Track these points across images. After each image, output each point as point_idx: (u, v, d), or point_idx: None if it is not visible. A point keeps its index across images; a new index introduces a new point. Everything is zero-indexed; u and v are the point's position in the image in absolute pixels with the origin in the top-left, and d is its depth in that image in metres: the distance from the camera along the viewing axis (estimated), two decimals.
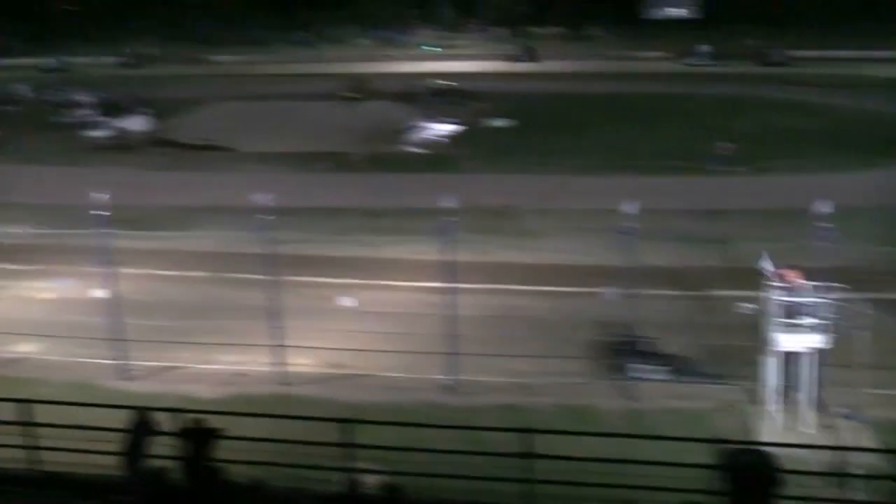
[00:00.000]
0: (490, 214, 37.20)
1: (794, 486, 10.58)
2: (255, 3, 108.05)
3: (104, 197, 24.61)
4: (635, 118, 59.29)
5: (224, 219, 36.17)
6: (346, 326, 27.13)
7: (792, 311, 20.79)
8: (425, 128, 56.37)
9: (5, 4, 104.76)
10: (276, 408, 21.84)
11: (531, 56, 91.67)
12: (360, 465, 10.66)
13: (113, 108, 60.33)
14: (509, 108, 61.25)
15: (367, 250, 34.58)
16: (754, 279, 22.51)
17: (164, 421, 9.78)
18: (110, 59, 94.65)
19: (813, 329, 20.64)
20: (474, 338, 24.50)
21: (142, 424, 9.85)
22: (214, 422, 9.49)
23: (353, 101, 64.96)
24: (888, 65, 79.84)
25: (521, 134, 55.48)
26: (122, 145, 53.76)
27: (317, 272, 31.70)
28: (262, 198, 24.69)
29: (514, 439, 10.38)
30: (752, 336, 22.31)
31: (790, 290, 21.13)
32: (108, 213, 24.74)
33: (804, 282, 21.30)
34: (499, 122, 58.67)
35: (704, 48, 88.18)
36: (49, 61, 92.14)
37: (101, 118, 58.60)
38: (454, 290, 24.44)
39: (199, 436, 9.41)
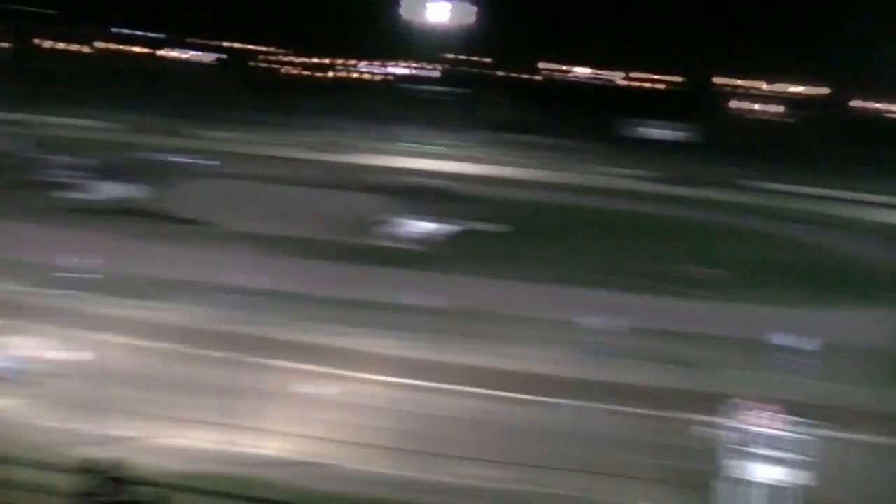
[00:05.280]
0: (471, 316, 37.30)
1: None
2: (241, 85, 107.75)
3: (74, 260, 24.46)
4: (619, 233, 60.11)
5: (195, 294, 36.12)
6: (305, 413, 26.92)
7: (763, 441, 20.57)
8: (405, 224, 56.41)
9: None
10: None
11: None
12: None
13: (105, 172, 60.42)
14: (502, 213, 61.76)
15: (340, 340, 33.86)
16: (719, 405, 22.43)
17: None
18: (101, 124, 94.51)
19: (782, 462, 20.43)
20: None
21: None
22: None
23: (331, 189, 65.83)
24: (879, 209, 78.51)
25: (514, 240, 55.51)
26: (106, 210, 53.70)
27: (283, 356, 31.31)
28: (236, 277, 24.70)
29: None
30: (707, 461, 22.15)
31: (761, 422, 21.04)
32: (77, 276, 24.56)
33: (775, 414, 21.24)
34: (492, 227, 58.76)
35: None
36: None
37: (90, 181, 58.47)
38: (416, 388, 24.33)
39: None
